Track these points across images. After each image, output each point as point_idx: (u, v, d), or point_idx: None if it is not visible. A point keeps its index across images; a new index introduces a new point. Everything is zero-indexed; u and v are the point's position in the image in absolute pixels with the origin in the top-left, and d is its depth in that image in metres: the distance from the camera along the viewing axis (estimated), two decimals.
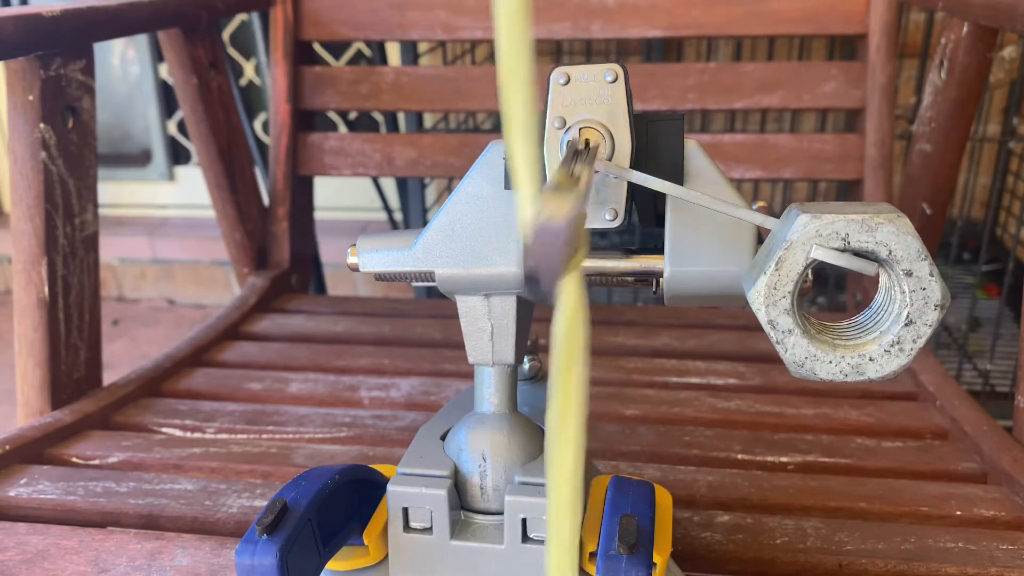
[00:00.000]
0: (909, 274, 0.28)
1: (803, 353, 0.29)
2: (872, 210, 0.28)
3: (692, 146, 0.36)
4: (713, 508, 0.50)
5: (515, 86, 0.20)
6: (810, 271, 0.29)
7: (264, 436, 0.60)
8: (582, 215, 0.21)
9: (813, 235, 0.28)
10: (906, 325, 0.29)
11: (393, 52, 1.44)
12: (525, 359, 0.47)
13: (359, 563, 0.39)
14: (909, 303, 0.29)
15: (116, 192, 1.85)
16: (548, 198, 0.20)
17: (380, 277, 0.40)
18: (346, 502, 0.38)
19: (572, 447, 0.23)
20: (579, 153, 0.32)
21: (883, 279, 0.29)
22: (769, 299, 0.29)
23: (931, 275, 0.28)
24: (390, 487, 0.38)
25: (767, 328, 0.29)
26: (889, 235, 0.28)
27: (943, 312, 0.29)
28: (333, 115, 1.71)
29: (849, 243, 0.28)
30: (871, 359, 0.29)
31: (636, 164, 0.35)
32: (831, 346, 0.30)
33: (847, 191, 0.86)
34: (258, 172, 0.93)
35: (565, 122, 0.35)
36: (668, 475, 0.54)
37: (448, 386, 0.67)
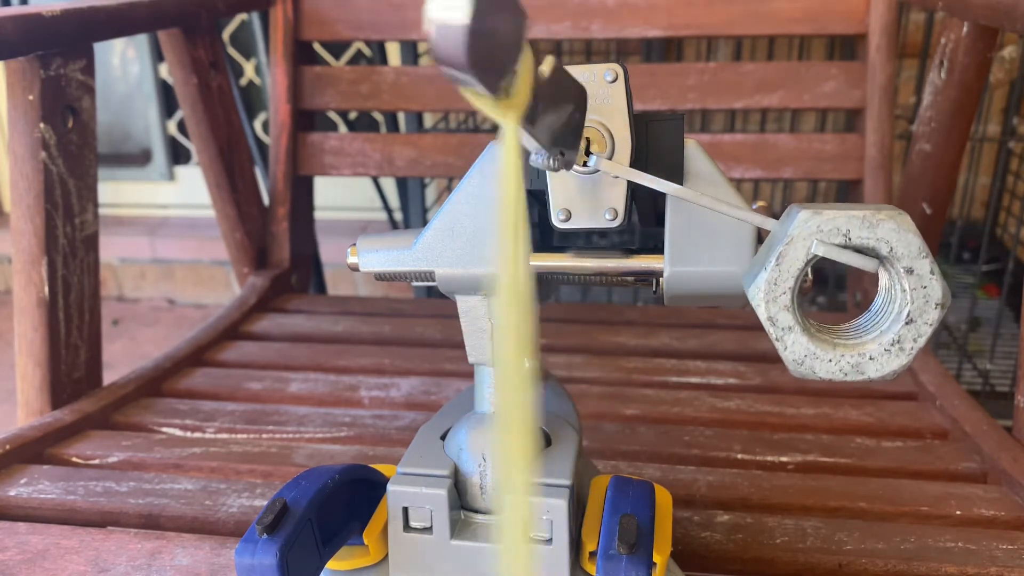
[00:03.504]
0: (910, 272, 0.28)
1: (802, 351, 0.29)
2: (874, 207, 0.28)
3: (692, 146, 0.36)
4: (713, 508, 0.50)
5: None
6: (810, 270, 0.29)
7: (264, 436, 0.60)
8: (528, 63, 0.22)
9: (814, 231, 0.28)
10: (907, 324, 0.29)
11: (393, 52, 1.44)
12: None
13: (359, 563, 0.39)
14: (910, 301, 0.28)
15: (116, 192, 1.85)
16: None
17: (380, 277, 0.40)
18: (346, 502, 0.38)
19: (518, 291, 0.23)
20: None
21: (883, 278, 0.29)
22: (769, 295, 0.29)
23: (932, 273, 0.28)
24: (390, 487, 0.38)
25: (767, 325, 0.29)
26: (890, 232, 0.28)
27: (944, 311, 0.28)
28: (333, 115, 1.71)
29: (850, 239, 0.28)
30: (871, 358, 0.29)
31: (636, 164, 0.35)
32: (831, 344, 0.29)
33: (847, 191, 0.86)
34: (258, 172, 0.93)
35: None
36: (668, 475, 0.54)
37: (448, 386, 0.67)
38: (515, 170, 0.24)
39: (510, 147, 0.24)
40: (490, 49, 0.21)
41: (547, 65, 0.26)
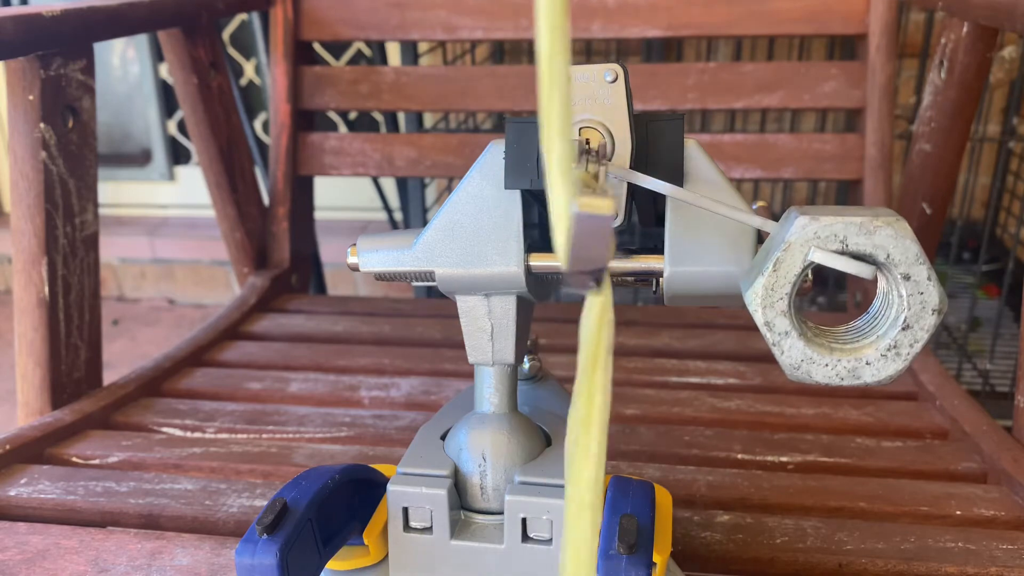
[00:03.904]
0: (907, 278, 0.28)
1: (799, 356, 0.29)
2: (871, 213, 0.28)
3: (692, 146, 0.36)
4: (713, 508, 0.50)
5: (553, 85, 0.21)
6: (809, 272, 0.29)
7: (264, 436, 0.60)
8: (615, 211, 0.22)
9: (811, 237, 0.28)
10: (903, 329, 0.29)
11: (393, 52, 1.44)
12: (525, 359, 0.47)
13: (359, 563, 0.39)
14: (906, 307, 0.28)
15: (116, 192, 1.85)
16: (586, 194, 0.21)
17: (380, 277, 0.40)
18: (346, 502, 0.38)
19: (595, 447, 0.23)
20: (588, 152, 0.32)
21: (881, 283, 0.29)
22: (766, 300, 0.29)
23: (929, 279, 0.28)
24: (390, 487, 0.38)
25: (763, 330, 0.29)
26: (887, 238, 0.28)
27: (940, 317, 0.28)
28: (333, 115, 1.71)
29: (847, 246, 0.28)
30: (867, 363, 0.29)
31: (636, 164, 0.35)
32: (828, 349, 0.29)
33: (847, 191, 0.86)
34: (258, 172, 0.93)
35: None
36: (668, 475, 0.54)
37: (448, 386, 0.67)
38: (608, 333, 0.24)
39: (603, 301, 0.23)
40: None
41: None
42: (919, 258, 0.28)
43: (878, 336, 0.29)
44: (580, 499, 0.23)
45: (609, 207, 0.20)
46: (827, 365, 0.29)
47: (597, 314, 0.22)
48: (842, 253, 0.28)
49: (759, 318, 0.29)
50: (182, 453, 0.57)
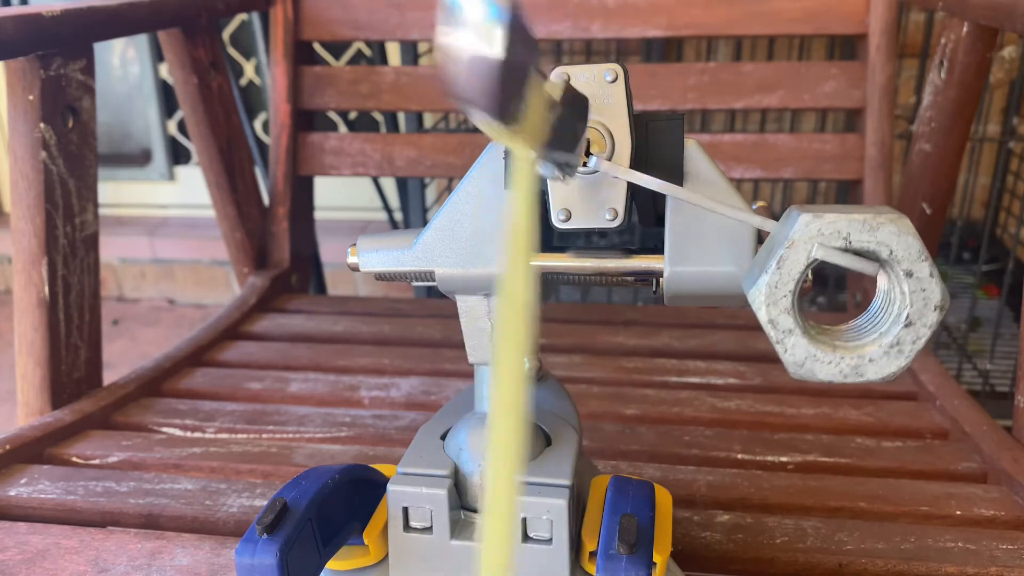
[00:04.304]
0: (909, 275, 0.28)
1: (803, 353, 0.29)
2: (873, 211, 0.28)
3: (692, 146, 0.36)
4: (713, 508, 0.50)
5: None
6: (810, 271, 0.29)
7: (264, 436, 0.60)
8: (539, 94, 0.21)
9: (815, 234, 0.28)
10: (906, 326, 0.29)
11: (393, 52, 1.44)
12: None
13: (359, 563, 0.39)
14: (909, 304, 0.28)
15: (116, 192, 1.85)
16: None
17: (380, 277, 0.40)
18: (346, 502, 0.38)
19: (516, 338, 0.22)
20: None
21: (883, 281, 0.29)
22: (770, 298, 0.29)
23: (931, 276, 0.28)
24: (390, 487, 0.38)
25: (767, 327, 0.29)
26: (890, 235, 0.28)
27: (943, 313, 0.29)
28: (333, 115, 1.71)
29: (851, 243, 0.28)
30: (870, 360, 0.29)
31: (636, 164, 0.35)
32: (831, 347, 0.30)
33: (847, 191, 0.86)
34: (258, 172, 0.93)
35: None
36: (668, 475, 0.54)
37: (448, 386, 0.67)
38: (530, 200, 0.23)
39: (524, 178, 0.23)
40: (515, 83, 0.20)
41: (557, 88, 0.25)
42: (921, 254, 0.28)
43: (881, 333, 0.29)
44: (502, 383, 0.22)
45: (493, 41, 0.19)
46: (830, 362, 0.29)
47: (521, 198, 0.21)
48: (845, 250, 0.28)
49: (763, 316, 0.29)
50: (182, 453, 0.57)
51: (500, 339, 0.22)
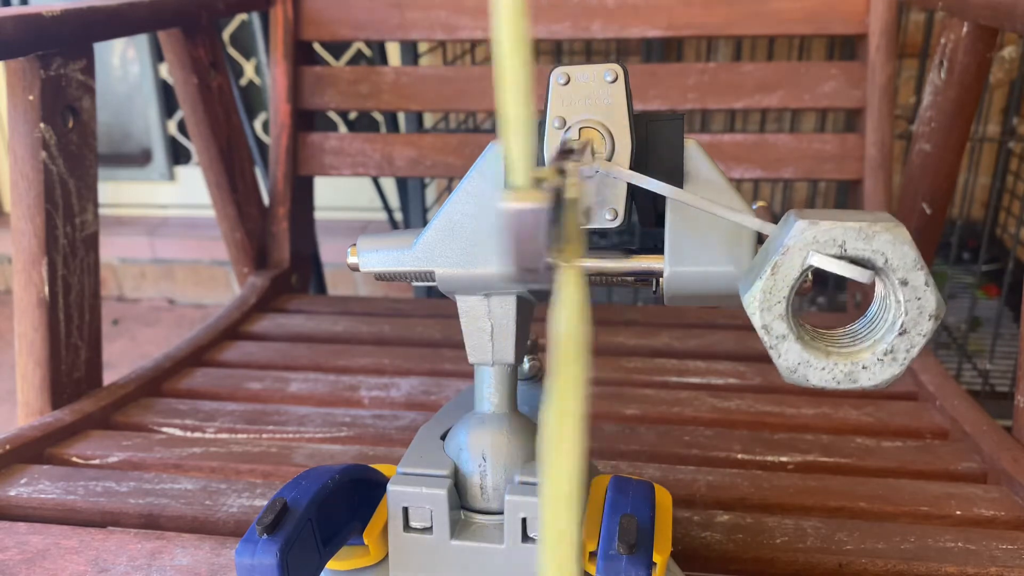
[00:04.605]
0: (905, 283, 0.28)
1: (796, 359, 0.29)
2: (870, 218, 0.28)
3: (692, 146, 0.36)
4: (713, 508, 0.50)
5: (512, 82, 0.20)
6: (809, 273, 0.29)
7: (264, 436, 0.60)
8: (572, 206, 0.22)
9: (810, 241, 0.28)
10: (900, 334, 0.29)
11: (393, 52, 1.44)
12: (525, 359, 0.47)
13: (359, 563, 0.39)
14: (904, 313, 0.29)
15: (116, 192, 1.85)
16: (520, 188, 0.21)
17: (380, 277, 0.40)
18: (346, 502, 0.38)
19: (570, 446, 0.23)
20: (572, 152, 0.32)
21: (879, 288, 0.29)
22: (764, 304, 0.29)
23: (926, 285, 0.28)
24: (390, 487, 0.38)
25: (761, 333, 0.29)
26: (886, 244, 0.28)
27: (937, 322, 0.29)
28: (333, 115, 1.71)
29: (846, 250, 0.28)
30: (864, 367, 0.29)
31: (636, 164, 0.35)
32: (824, 353, 0.30)
33: (847, 191, 0.86)
34: (258, 172, 0.93)
35: (565, 122, 0.35)
36: (668, 475, 0.54)
37: (448, 386, 0.67)
38: (581, 313, 0.23)
39: (572, 291, 0.23)
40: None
41: (572, 187, 0.25)
42: (917, 263, 0.28)
43: (875, 340, 0.29)
44: (557, 498, 0.22)
45: (538, 199, 0.20)
46: (824, 369, 0.29)
47: (566, 319, 0.22)
48: (840, 258, 0.28)
49: (757, 321, 0.29)
50: (182, 453, 0.57)
51: (551, 456, 0.23)
